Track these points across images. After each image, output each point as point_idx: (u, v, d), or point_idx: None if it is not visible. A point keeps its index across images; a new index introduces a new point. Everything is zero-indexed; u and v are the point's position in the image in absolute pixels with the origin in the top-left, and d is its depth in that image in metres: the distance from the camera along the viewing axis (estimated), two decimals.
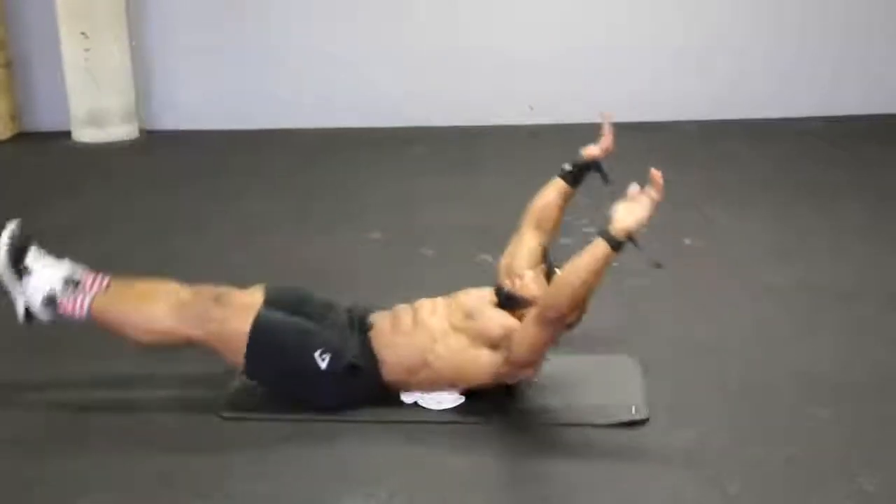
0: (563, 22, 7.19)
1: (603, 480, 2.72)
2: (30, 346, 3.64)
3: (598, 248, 2.75)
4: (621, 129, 7.43)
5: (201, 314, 3.02)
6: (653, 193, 2.74)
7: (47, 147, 7.05)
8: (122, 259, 4.61)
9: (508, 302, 3.06)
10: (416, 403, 3.07)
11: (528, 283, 3.09)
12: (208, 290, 3.13)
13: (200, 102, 7.43)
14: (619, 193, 2.83)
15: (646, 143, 6.57)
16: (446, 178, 5.90)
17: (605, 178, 3.28)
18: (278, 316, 3.05)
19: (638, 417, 2.98)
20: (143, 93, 7.38)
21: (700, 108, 7.16)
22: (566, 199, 3.35)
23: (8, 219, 5.38)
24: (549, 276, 3.07)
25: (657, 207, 2.74)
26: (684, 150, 6.44)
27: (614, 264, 2.79)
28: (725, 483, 2.67)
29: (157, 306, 3.06)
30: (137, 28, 7.27)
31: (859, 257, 4.40)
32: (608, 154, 3.29)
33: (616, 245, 2.74)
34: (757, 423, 2.98)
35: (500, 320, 3.01)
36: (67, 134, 7.16)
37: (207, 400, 3.10)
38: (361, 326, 3.09)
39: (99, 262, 4.55)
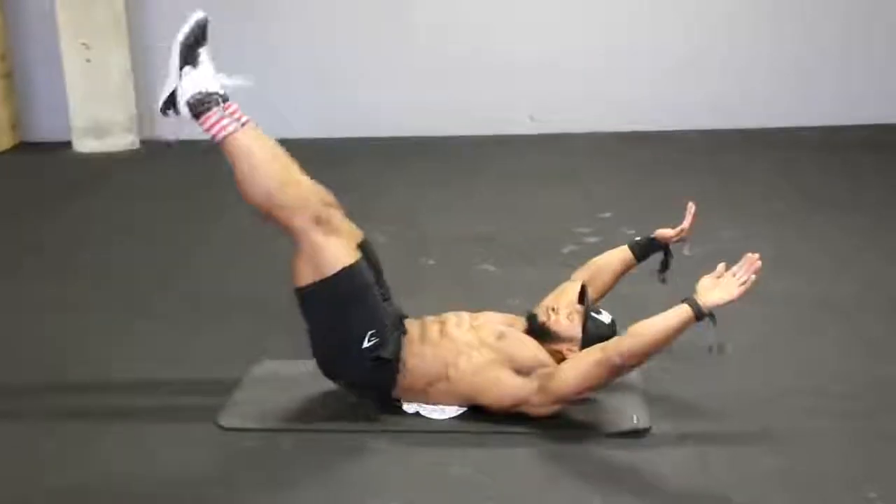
0: (565, 33, 7.20)
1: (604, 490, 2.71)
2: (32, 353, 3.64)
3: (683, 314, 2.80)
4: (622, 138, 7.48)
5: (313, 213, 2.95)
6: (750, 277, 2.82)
7: (47, 157, 7.05)
8: (122, 269, 4.61)
9: (542, 332, 3.07)
10: (417, 413, 3.06)
11: (561, 318, 3.10)
12: (325, 193, 3.05)
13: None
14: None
15: (647, 152, 6.58)
16: (448, 187, 5.90)
17: (665, 266, 3.34)
18: (367, 278, 3.03)
19: (639, 427, 2.97)
20: (143, 103, 7.38)
21: (701, 118, 7.16)
22: (626, 269, 3.37)
23: (8, 229, 5.40)
24: (585, 315, 3.09)
25: (749, 293, 2.81)
26: (685, 159, 6.44)
27: None
28: (728, 493, 2.66)
29: (285, 174, 2.98)
30: (138, 38, 7.28)
31: (860, 267, 4.39)
32: (681, 240, 3.33)
33: (699, 316, 2.80)
34: (759, 433, 2.97)
35: (534, 349, 3.02)
36: (68, 144, 7.16)
37: (208, 410, 3.09)
38: (400, 326, 3.09)
39: (99, 271, 4.58)
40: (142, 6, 7.32)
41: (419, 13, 7.27)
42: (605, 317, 3.11)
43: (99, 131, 7.07)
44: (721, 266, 2.87)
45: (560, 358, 3.02)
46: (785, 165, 6.25)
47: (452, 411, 3.05)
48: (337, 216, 3.05)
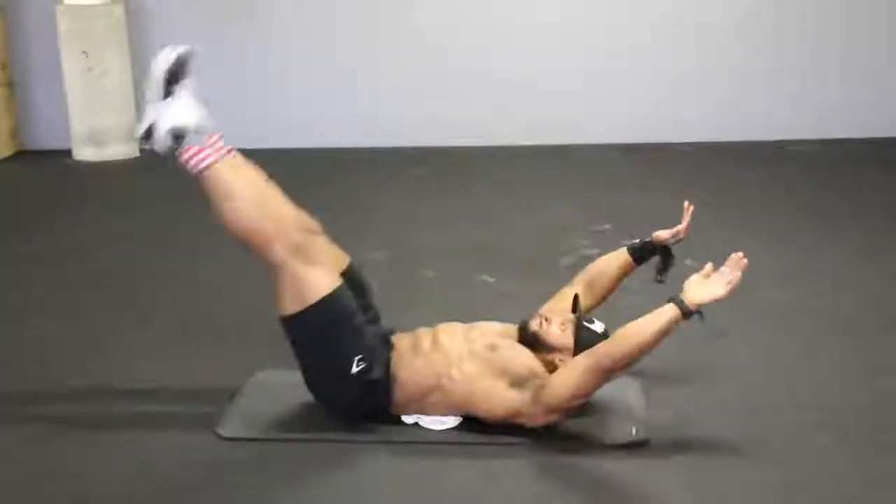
0: (563, 44, 7.21)
1: (602, 502, 2.71)
2: (31, 361, 3.65)
3: (670, 313, 2.81)
4: (620, 150, 7.48)
5: (292, 242, 2.97)
6: (737, 275, 2.81)
7: (47, 166, 7.05)
8: (121, 277, 4.62)
9: (534, 341, 3.07)
10: (416, 423, 3.07)
11: (553, 327, 3.09)
12: (307, 220, 3.11)
13: (201, 121, 7.42)
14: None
15: (645, 164, 6.59)
16: (447, 198, 5.91)
17: (663, 269, 3.32)
18: (351, 303, 3.02)
19: (637, 439, 2.98)
20: (144, 112, 7.38)
21: (699, 131, 7.17)
22: (625, 273, 3.37)
23: (7, 237, 5.40)
24: (577, 325, 3.09)
25: (735, 291, 2.80)
26: (683, 171, 6.45)
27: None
28: None
29: (261, 205, 3.02)
30: (138, 47, 7.29)
31: (859, 281, 4.40)
32: (678, 241, 3.33)
33: (686, 315, 2.80)
34: (757, 446, 2.97)
35: (528, 360, 3.01)
36: (68, 152, 7.17)
37: (207, 419, 3.09)
38: (386, 344, 3.10)
39: (98, 280, 4.58)
40: (142, 15, 7.33)
41: (417, 23, 7.28)
42: (598, 326, 3.11)
43: (99, 140, 7.07)
44: (709, 265, 2.87)
45: (553, 368, 3.02)
46: (784, 179, 6.26)
47: (451, 422, 3.06)
48: (318, 243, 3.08)
